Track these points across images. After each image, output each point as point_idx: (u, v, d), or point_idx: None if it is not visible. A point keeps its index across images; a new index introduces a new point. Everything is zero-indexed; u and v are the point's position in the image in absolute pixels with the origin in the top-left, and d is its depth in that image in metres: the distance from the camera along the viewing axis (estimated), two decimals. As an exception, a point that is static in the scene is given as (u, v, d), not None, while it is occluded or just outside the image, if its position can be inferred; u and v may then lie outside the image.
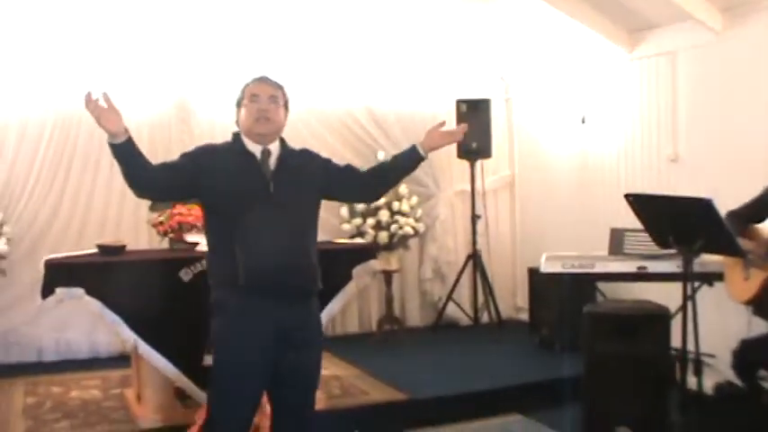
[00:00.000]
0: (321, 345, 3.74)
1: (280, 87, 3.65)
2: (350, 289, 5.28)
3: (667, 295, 5.19)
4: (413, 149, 3.74)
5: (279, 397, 3.64)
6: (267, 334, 3.45)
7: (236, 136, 3.62)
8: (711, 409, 4.92)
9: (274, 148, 3.58)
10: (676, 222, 4.19)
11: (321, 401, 5.20)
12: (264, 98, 3.56)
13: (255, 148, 3.55)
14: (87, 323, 6.44)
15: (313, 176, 3.65)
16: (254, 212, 3.45)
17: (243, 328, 3.47)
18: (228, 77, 6.55)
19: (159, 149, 6.46)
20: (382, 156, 7.07)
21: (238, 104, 3.63)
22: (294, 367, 3.54)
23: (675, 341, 4.70)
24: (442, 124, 3.82)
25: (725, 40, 5.69)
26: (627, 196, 4.32)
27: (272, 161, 3.56)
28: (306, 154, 3.75)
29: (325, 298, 5.08)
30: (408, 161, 3.77)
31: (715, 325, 5.00)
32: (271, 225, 3.45)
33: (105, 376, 6.08)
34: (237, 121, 3.63)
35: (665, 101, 6.22)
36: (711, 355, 5.24)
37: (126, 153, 3.36)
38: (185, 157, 3.59)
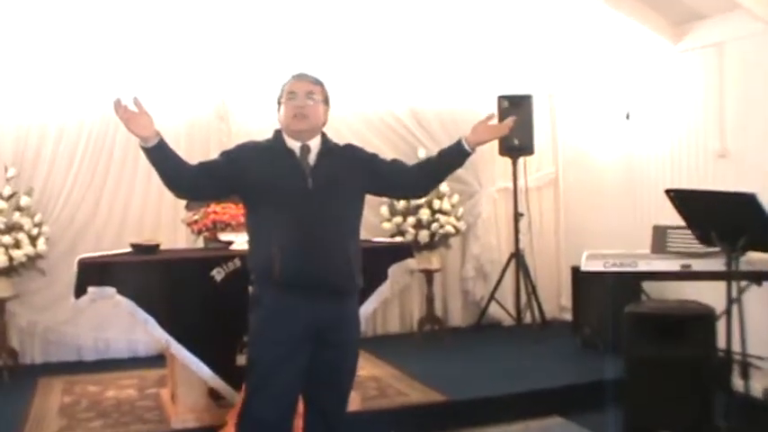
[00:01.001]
0: (358, 345, 3.73)
1: (318, 83, 3.65)
2: (385, 288, 5.22)
3: (714, 295, 5.01)
4: (458, 144, 3.71)
5: (312, 396, 3.64)
6: (302, 330, 3.46)
7: (278, 133, 3.64)
8: (760, 414, 4.74)
9: (314, 144, 3.59)
10: (719, 218, 4.07)
11: (356, 402, 5.14)
12: (301, 95, 3.57)
13: (295, 145, 3.57)
14: (126, 323, 6.44)
15: (356, 172, 3.64)
16: (293, 208, 3.46)
17: (278, 322, 3.47)
18: (267, 77, 6.56)
19: (197, 149, 6.48)
20: (423, 154, 6.98)
21: (279, 102, 3.65)
22: (329, 366, 3.55)
23: (722, 343, 4.55)
24: (490, 118, 3.78)
25: (774, 31, 5.50)
26: (668, 192, 4.20)
27: (312, 157, 3.57)
28: (349, 149, 3.76)
29: (361, 297, 5.03)
30: (455, 156, 3.75)
31: (765, 326, 4.82)
32: (309, 221, 3.45)
33: (142, 376, 6.10)
34: (279, 119, 3.65)
35: (713, 94, 6.03)
36: (761, 358, 5.05)
37: (159, 156, 3.39)
38: (224, 155, 3.62)
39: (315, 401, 3.64)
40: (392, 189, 3.94)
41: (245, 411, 3.58)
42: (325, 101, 3.65)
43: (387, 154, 6.88)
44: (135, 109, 3.32)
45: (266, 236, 3.48)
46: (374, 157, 3.78)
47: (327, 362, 3.53)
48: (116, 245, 6.09)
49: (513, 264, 7.38)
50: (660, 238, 5.16)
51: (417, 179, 3.81)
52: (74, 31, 6.52)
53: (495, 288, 7.48)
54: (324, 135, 3.65)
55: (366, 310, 5.10)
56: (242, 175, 3.51)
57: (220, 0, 6.80)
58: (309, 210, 3.45)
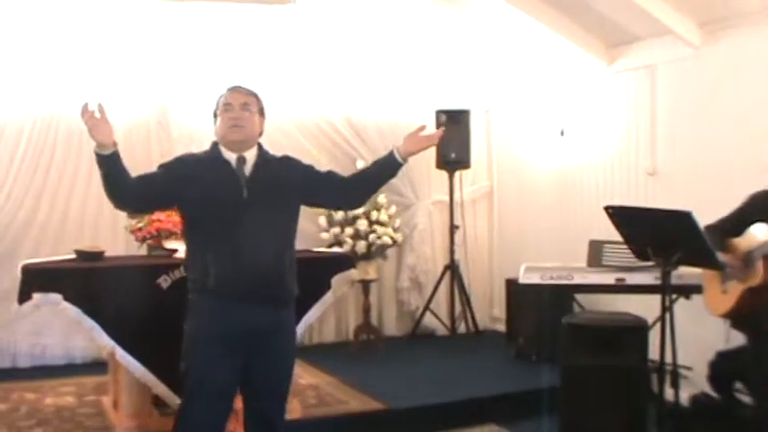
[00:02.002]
0: (294, 353, 3.78)
1: (253, 95, 3.70)
2: (328, 298, 5.27)
3: (645, 307, 5.24)
4: (391, 155, 3.77)
5: (250, 404, 3.69)
6: (237, 338, 3.50)
7: (214, 145, 3.68)
8: (688, 421, 4.94)
9: (250, 155, 3.64)
10: (656, 234, 4.23)
11: (297, 411, 5.21)
12: (237, 106, 3.62)
13: (231, 156, 3.62)
14: (63, 329, 6.38)
15: (292, 183, 3.69)
16: (228, 219, 3.51)
17: (212, 331, 3.51)
18: (208, 85, 6.54)
19: (138, 153, 6.49)
20: (361, 165, 7.07)
21: (214, 114, 3.69)
22: (265, 373, 3.60)
23: (653, 353, 4.74)
24: (422, 129, 3.83)
25: (703, 55, 5.74)
26: (607, 208, 4.35)
27: (248, 168, 3.61)
28: (285, 161, 3.80)
29: (304, 307, 5.10)
30: (387, 167, 3.80)
31: (691, 337, 5.03)
32: (244, 231, 3.50)
33: (80, 383, 6.03)
34: (215, 132, 3.69)
35: (644, 114, 6.27)
36: (688, 368, 5.27)
37: (111, 165, 3.42)
38: (162, 168, 3.66)
39: (253, 408, 3.68)
40: (327, 200, 4.02)
41: (180, 416, 3.63)
42: (261, 112, 3.70)
43: (323, 163, 7.04)
44: (99, 116, 3.36)
45: (202, 245, 3.54)
46: (310, 168, 3.84)
47: (263, 369, 3.58)
48: (55, 251, 6.02)
49: (447, 275, 7.51)
50: (596, 253, 5.36)
51: (351, 190, 3.87)
52: (15, 30, 6.45)
53: (430, 298, 7.60)
54: (260, 146, 3.69)
55: (309, 318, 5.17)
56: (180, 187, 3.55)
57: (163, 8, 6.80)
58: (245, 220, 3.50)
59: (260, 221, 3.52)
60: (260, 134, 3.70)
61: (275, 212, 3.59)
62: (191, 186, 3.54)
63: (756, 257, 4.23)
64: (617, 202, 5.88)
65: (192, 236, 3.64)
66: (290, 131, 7.33)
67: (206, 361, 3.51)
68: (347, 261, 5.52)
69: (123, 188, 3.50)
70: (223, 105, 3.63)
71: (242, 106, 3.62)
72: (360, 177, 3.93)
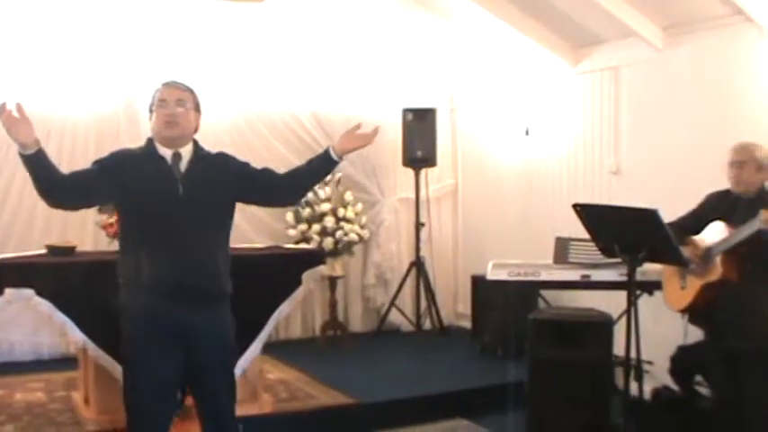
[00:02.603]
0: (232, 348, 3.77)
1: (188, 90, 3.67)
2: (299, 293, 5.32)
3: (608, 303, 5.37)
4: (326, 153, 3.77)
5: (197, 401, 3.72)
6: (172, 335, 3.50)
7: (149, 141, 3.66)
8: (651, 414, 5.07)
9: (186, 151, 3.62)
10: (622, 232, 4.33)
11: (268, 405, 5.27)
12: (172, 102, 3.58)
13: (166, 152, 3.60)
14: (31, 325, 6.36)
15: (227, 180, 3.69)
16: (163, 215, 3.51)
17: (147, 327, 3.51)
18: (175, 79, 6.58)
19: (107, 146, 6.42)
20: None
21: (150, 110, 3.66)
22: (205, 370, 3.61)
23: (617, 348, 4.86)
24: (358, 127, 3.84)
25: (666, 57, 5.88)
26: (575, 206, 4.44)
27: (183, 164, 3.60)
28: (221, 157, 3.79)
29: (275, 302, 5.17)
30: (323, 164, 3.81)
31: (653, 332, 5.15)
32: (178, 228, 3.51)
33: (49, 379, 6.02)
34: (151, 127, 3.67)
35: (608, 115, 6.40)
36: (650, 362, 5.40)
37: (36, 164, 3.37)
38: (97, 163, 3.62)
39: (200, 405, 3.70)
40: (262, 197, 3.98)
41: (128, 412, 3.63)
42: (196, 108, 3.68)
43: (289, 157, 7.09)
44: (17, 115, 3.28)
45: (136, 242, 3.53)
46: (246, 165, 3.83)
47: (203, 365, 3.59)
48: (23, 246, 6.02)
49: (413, 271, 7.60)
50: (562, 249, 5.47)
51: (286, 188, 3.88)
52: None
53: (396, 295, 7.67)
54: (196, 143, 3.68)
55: (279, 314, 5.24)
56: (114, 183, 3.53)
57: (132, 2, 6.80)
58: (179, 217, 3.51)
59: (195, 218, 3.53)
60: (195, 130, 3.67)
61: (210, 209, 3.61)
62: (126, 181, 3.52)
63: (715, 254, 4.37)
64: (581, 200, 6.00)
65: (126, 232, 3.64)
66: (257, 126, 7.40)
67: (144, 359, 3.51)
68: (318, 257, 5.59)
69: (53, 185, 3.45)
70: (158, 101, 3.59)
71: (177, 102, 3.58)
72: (295, 175, 3.87)
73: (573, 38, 6.58)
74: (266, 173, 3.86)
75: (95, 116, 6.78)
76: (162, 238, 3.48)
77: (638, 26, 5.81)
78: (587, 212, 4.45)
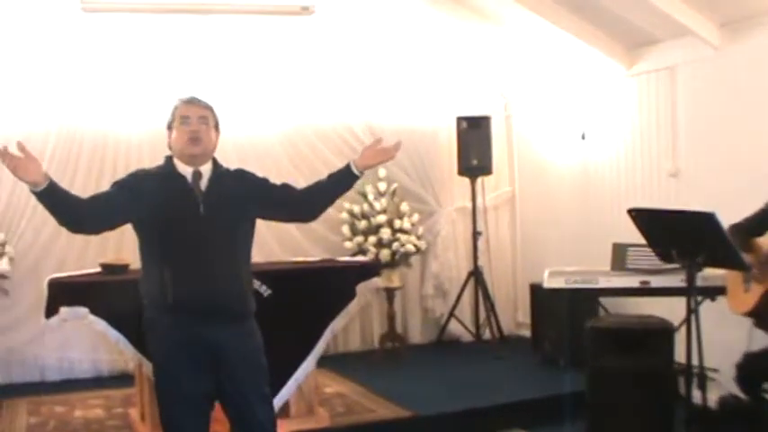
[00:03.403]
0: (262, 364, 3.69)
1: (209, 108, 3.65)
2: (353, 306, 5.28)
3: (671, 310, 5.21)
4: (347, 168, 3.72)
5: (230, 419, 3.66)
6: (199, 352, 3.47)
7: (168, 159, 3.63)
8: (716, 423, 4.92)
9: (205, 169, 3.59)
10: (679, 236, 4.22)
11: (325, 419, 5.23)
12: (195, 119, 3.56)
13: (186, 170, 3.57)
14: (90, 342, 6.45)
15: (247, 196, 3.66)
16: (185, 234, 3.48)
17: (174, 346, 3.49)
18: (230, 95, 6.64)
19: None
20: (383, 173, 7.11)
21: (169, 127, 3.63)
22: (236, 388, 3.57)
23: (679, 356, 4.72)
24: (379, 142, 3.80)
25: (723, 55, 5.71)
26: (630, 211, 4.34)
27: (204, 183, 3.57)
28: (240, 174, 3.76)
29: (329, 315, 5.13)
30: (343, 180, 3.76)
31: (717, 339, 4.98)
32: (200, 246, 3.48)
33: (108, 395, 6.09)
34: (169, 144, 3.64)
35: (665, 116, 6.25)
36: (715, 370, 5.23)
37: (50, 198, 3.34)
38: (116, 185, 3.61)
39: (238, 422, 3.64)
40: (282, 213, 3.95)
41: (161, 421, 3.62)
42: (216, 126, 3.65)
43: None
44: (20, 155, 3.24)
45: (159, 262, 3.50)
46: (265, 181, 3.80)
47: (236, 384, 3.55)
48: (80, 264, 6.10)
49: (471, 281, 7.52)
50: (620, 256, 5.35)
51: (306, 203, 3.84)
52: (38, 42, 6.54)
53: (455, 305, 7.60)
54: (215, 160, 3.65)
55: (335, 327, 5.21)
56: (135, 203, 3.50)
57: (186, 21, 6.87)
58: (201, 235, 3.47)
59: (217, 236, 3.50)
60: (215, 148, 3.64)
61: (231, 227, 3.57)
62: (146, 201, 3.49)
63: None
64: (639, 204, 5.87)
65: (148, 253, 3.60)
66: (310, 138, 7.40)
67: (172, 377, 3.51)
68: (372, 269, 5.56)
69: (72, 215, 3.43)
70: (180, 118, 3.56)
71: (200, 119, 3.56)
72: (315, 190, 3.83)
73: (626, 39, 6.45)
74: (285, 189, 3.83)
75: (149, 132, 6.83)
76: (185, 257, 3.46)
77: (694, 24, 5.65)
78: (642, 217, 4.34)
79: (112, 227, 3.91)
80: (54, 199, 3.34)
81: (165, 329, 3.50)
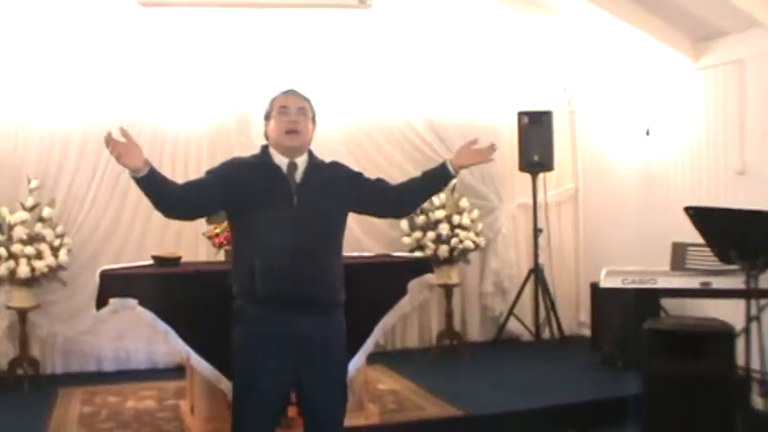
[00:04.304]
0: (343, 359, 3.71)
1: (307, 100, 3.65)
2: (405, 302, 5.22)
3: (733, 312, 5.00)
4: (443, 167, 3.72)
5: (307, 412, 3.63)
6: (285, 346, 3.46)
7: (264, 149, 3.63)
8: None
9: (301, 161, 3.59)
10: (738, 236, 4.07)
11: (374, 416, 5.18)
12: (293, 110, 3.56)
13: (282, 161, 3.56)
14: (146, 334, 6.49)
15: (341, 190, 3.64)
16: (277, 225, 3.45)
17: (260, 337, 3.48)
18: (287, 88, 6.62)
19: (219, 157, 6.52)
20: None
21: (267, 117, 3.63)
22: (314, 379, 3.53)
23: (741, 360, 4.53)
24: (474, 142, 3.78)
25: (794, 48, 5.51)
26: (687, 209, 4.20)
27: (299, 174, 3.56)
28: (335, 167, 3.75)
29: (380, 311, 5.07)
30: (438, 179, 3.76)
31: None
32: (292, 237, 3.44)
33: (162, 387, 6.13)
34: (266, 134, 3.64)
35: (732, 111, 6.03)
36: (780, 376, 5.03)
37: (150, 184, 3.39)
38: (210, 173, 3.62)
39: (310, 417, 3.62)
40: (375, 208, 3.92)
41: (233, 424, 3.62)
42: (313, 119, 3.65)
43: (405, 165, 7.06)
44: (123, 140, 3.30)
45: (250, 251, 3.48)
46: (359, 175, 3.79)
47: (315, 375, 3.52)
48: (137, 256, 6.16)
49: (531, 279, 7.38)
50: (680, 255, 5.16)
51: (400, 200, 3.82)
52: (98, 36, 6.63)
53: (514, 303, 7.47)
54: (310, 152, 3.64)
55: (386, 323, 5.14)
56: (228, 192, 3.51)
57: (241, 15, 6.90)
58: (294, 226, 3.45)
59: (309, 228, 3.47)
60: (310, 141, 3.64)
61: (324, 219, 3.55)
62: (240, 190, 3.50)
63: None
64: (705, 202, 5.68)
65: (240, 241, 3.60)
66: (372, 134, 7.35)
67: (253, 368, 3.49)
68: (425, 265, 5.46)
69: (168, 201, 3.48)
70: (279, 108, 3.57)
71: (298, 111, 3.56)
72: (409, 187, 3.83)
73: (692, 31, 6.25)
74: (379, 185, 3.81)
75: (207, 127, 6.90)
76: (275, 248, 3.43)
77: (761, 15, 5.44)
78: (700, 216, 4.19)
79: (205, 214, 4.01)
80: (153, 185, 3.41)
81: (252, 319, 3.50)
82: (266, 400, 3.52)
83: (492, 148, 3.82)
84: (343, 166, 3.79)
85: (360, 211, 3.87)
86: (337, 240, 3.65)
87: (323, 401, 3.58)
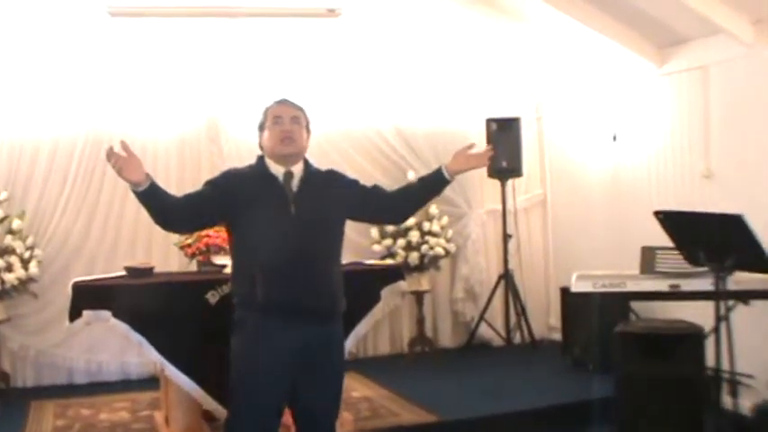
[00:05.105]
0: (343, 371, 3.75)
1: (301, 109, 3.69)
2: (378, 310, 5.24)
3: (702, 314, 5.07)
4: (438, 172, 3.76)
5: (301, 420, 3.67)
6: (285, 353, 3.48)
7: (260, 159, 3.66)
8: (750, 430, 4.80)
9: (297, 169, 3.62)
10: (707, 239, 4.13)
11: (349, 423, 5.20)
12: (287, 119, 3.60)
13: (278, 170, 3.59)
14: (118, 345, 6.46)
15: (338, 197, 3.68)
16: (276, 234, 3.48)
17: (259, 345, 3.50)
18: (257, 98, 6.60)
19: (188, 167, 6.59)
20: (412, 175, 7.05)
21: (261, 127, 3.67)
22: (315, 389, 3.57)
23: (712, 361, 4.60)
24: (471, 147, 3.82)
25: (757, 54, 5.57)
26: (656, 213, 4.27)
27: (295, 183, 3.59)
28: (331, 175, 3.79)
29: (353, 319, 5.05)
30: (434, 184, 3.80)
31: (753, 344, 4.88)
32: (291, 246, 3.47)
33: (135, 398, 6.10)
34: (260, 144, 3.68)
35: (697, 116, 6.11)
36: (750, 376, 5.11)
37: (151, 198, 3.42)
38: (209, 184, 3.65)
39: (304, 425, 3.66)
40: (372, 214, 3.97)
41: (228, 412, 3.65)
42: (307, 127, 3.69)
43: (373, 173, 7.08)
44: (124, 153, 3.31)
45: (249, 261, 3.51)
46: (355, 182, 3.83)
47: (312, 384, 3.55)
48: (108, 268, 6.14)
49: (502, 284, 7.41)
50: (649, 259, 5.22)
51: (397, 205, 3.86)
52: (66, 47, 6.59)
53: (485, 309, 7.49)
54: (306, 161, 3.67)
55: (359, 332, 5.14)
56: (227, 203, 3.53)
57: (210, 24, 6.89)
58: (292, 235, 3.48)
59: (307, 236, 3.50)
60: (306, 149, 3.68)
61: (322, 227, 3.58)
62: (238, 200, 3.53)
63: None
64: (672, 206, 5.75)
65: (239, 250, 3.63)
66: (340, 144, 7.35)
67: (253, 378, 3.51)
68: (397, 272, 5.48)
69: (168, 214, 3.51)
70: (273, 118, 3.61)
71: (292, 119, 3.61)
72: (405, 193, 3.89)
73: (657, 37, 6.32)
74: (376, 191, 3.86)
75: (177, 137, 6.86)
76: (274, 257, 3.46)
77: (726, 22, 5.51)
78: (670, 220, 4.26)
79: (205, 226, 4.05)
80: (153, 199, 3.43)
81: (253, 329, 3.51)
82: (261, 418, 3.53)
83: (488, 151, 3.88)
84: (339, 174, 3.83)
85: (357, 218, 3.95)
86: (336, 248, 3.70)
87: (320, 413, 3.63)
